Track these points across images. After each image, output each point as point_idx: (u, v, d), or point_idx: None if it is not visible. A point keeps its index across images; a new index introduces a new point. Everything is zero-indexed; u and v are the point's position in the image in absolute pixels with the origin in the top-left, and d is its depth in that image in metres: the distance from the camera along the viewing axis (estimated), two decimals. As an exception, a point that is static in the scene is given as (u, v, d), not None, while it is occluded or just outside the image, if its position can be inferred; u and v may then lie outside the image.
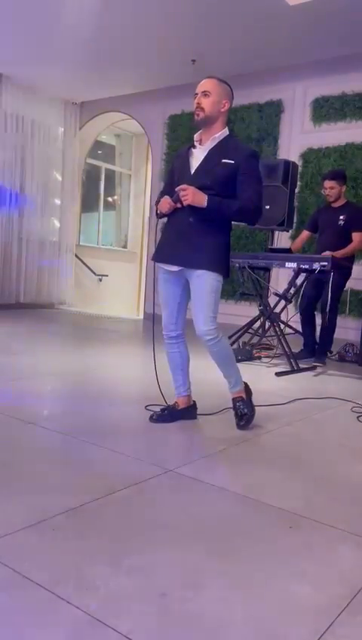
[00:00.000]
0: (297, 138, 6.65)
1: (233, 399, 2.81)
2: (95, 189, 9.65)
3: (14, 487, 1.85)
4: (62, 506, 1.71)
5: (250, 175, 2.61)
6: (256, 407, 2.84)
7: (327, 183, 4.91)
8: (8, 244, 8.02)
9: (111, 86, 7.85)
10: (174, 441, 2.52)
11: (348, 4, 5.06)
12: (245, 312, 6.24)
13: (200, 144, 2.69)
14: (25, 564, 1.38)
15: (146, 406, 2.91)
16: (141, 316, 8.45)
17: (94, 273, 9.19)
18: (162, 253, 2.73)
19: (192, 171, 2.64)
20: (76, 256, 8.97)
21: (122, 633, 1.15)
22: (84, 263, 9.07)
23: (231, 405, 2.88)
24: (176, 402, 2.82)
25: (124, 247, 10.17)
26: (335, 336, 5.02)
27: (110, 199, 10.07)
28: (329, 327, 4.91)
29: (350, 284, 5.18)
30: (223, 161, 2.59)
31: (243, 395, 2.80)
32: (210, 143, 2.65)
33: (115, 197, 10.08)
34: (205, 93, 2.60)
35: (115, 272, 9.48)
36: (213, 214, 2.58)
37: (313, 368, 4.65)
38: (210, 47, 6.21)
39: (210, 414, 2.92)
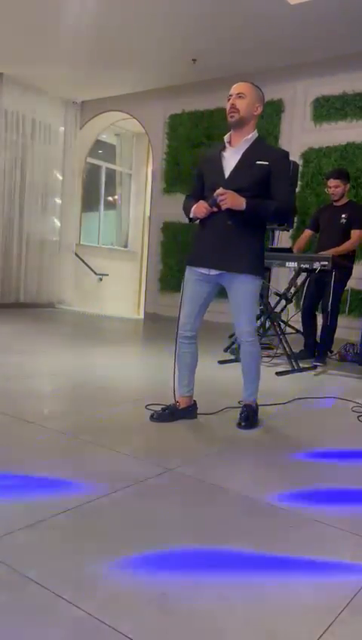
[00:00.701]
0: (298, 137, 6.64)
1: (244, 404, 2.84)
2: (95, 189, 9.65)
3: (15, 487, 1.85)
4: (63, 505, 1.71)
5: (284, 176, 2.65)
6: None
7: (332, 182, 4.91)
8: (9, 243, 8.03)
9: (111, 85, 7.85)
10: (174, 441, 2.52)
11: (349, 3, 5.06)
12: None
13: (230, 145, 2.70)
14: (25, 563, 1.38)
15: (147, 405, 2.91)
16: (141, 316, 8.44)
17: (95, 272, 9.19)
18: (201, 258, 2.73)
19: (226, 174, 2.65)
20: (76, 255, 8.97)
21: (122, 633, 1.15)
22: (85, 263, 9.07)
23: (232, 405, 2.89)
24: (177, 401, 2.83)
25: (125, 246, 10.17)
26: (335, 335, 5.02)
27: (110, 199, 10.07)
28: (330, 327, 4.91)
29: (350, 284, 5.18)
30: (258, 162, 2.61)
31: (254, 406, 2.85)
32: (242, 145, 2.66)
33: (116, 196, 10.08)
34: (240, 95, 2.63)
35: (115, 272, 9.48)
36: (251, 217, 2.60)
37: (313, 368, 4.65)
38: (210, 46, 6.20)
39: (210, 414, 2.92)
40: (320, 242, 5.06)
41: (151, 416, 2.76)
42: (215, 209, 2.59)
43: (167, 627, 1.19)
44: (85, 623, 1.18)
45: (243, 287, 2.67)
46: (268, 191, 2.62)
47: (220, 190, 2.54)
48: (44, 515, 1.64)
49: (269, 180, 2.61)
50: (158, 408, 2.80)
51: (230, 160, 2.67)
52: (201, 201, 2.64)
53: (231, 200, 2.52)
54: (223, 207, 2.54)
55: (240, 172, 2.62)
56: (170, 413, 2.77)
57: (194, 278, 2.76)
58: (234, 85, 2.67)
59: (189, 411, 2.85)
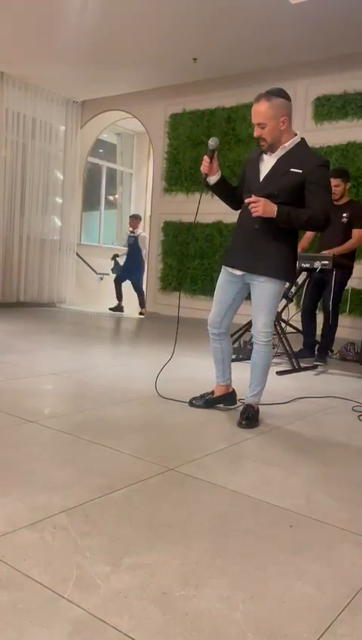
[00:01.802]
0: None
1: (247, 404, 2.87)
2: (96, 188, 9.65)
3: (15, 486, 1.85)
4: (63, 504, 1.72)
5: (320, 184, 2.65)
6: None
7: (332, 181, 4.91)
8: (9, 242, 8.03)
9: (112, 84, 7.85)
10: (175, 440, 2.52)
11: (349, 3, 5.05)
12: (246, 311, 6.23)
13: (271, 151, 2.73)
14: (26, 562, 1.38)
15: (159, 392, 2.93)
16: (142, 315, 8.44)
17: (95, 272, 9.19)
18: (229, 257, 2.84)
19: (261, 179, 2.71)
20: (77, 254, 8.97)
21: (123, 632, 1.15)
22: (85, 262, 9.07)
23: (232, 404, 2.89)
24: (213, 390, 3.03)
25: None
26: (336, 335, 5.02)
27: (111, 198, 10.07)
28: (331, 326, 4.92)
29: (350, 284, 5.18)
30: (291, 170, 2.63)
31: (256, 407, 2.88)
32: (279, 151, 2.69)
33: (116, 196, 10.08)
34: (260, 126, 2.63)
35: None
36: (282, 224, 2.63)
37: (314, 367, 4.65)
38: (211, 45, 6.20)
39: (210, 413, 2.92)
40: (321, 241, 5.06)
41: (190, 402, 3.00)
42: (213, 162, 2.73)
43: (168, 626, 1.19)
44: (86, 622, 1.18)
45: (263, 290, 2.74)
46: (300, 199, 2.64)
47: (253, 198, 2.60)
48: (44, 514, 1.64)
49: (302, 188, 2.63)
50: (174, 404, 2.85)
51: (267, 165, 2.72)
52: (205, 156, 2.74)
53: (263, 209, 2.56)
54: (254, 214, 2.60)
55: (272, 178, 2.67)
56: (204, 401, 2.99)
57: (224, 278, 2.88)
58: (253, 108, 2.64)
59: (226, 398, 3.04)
